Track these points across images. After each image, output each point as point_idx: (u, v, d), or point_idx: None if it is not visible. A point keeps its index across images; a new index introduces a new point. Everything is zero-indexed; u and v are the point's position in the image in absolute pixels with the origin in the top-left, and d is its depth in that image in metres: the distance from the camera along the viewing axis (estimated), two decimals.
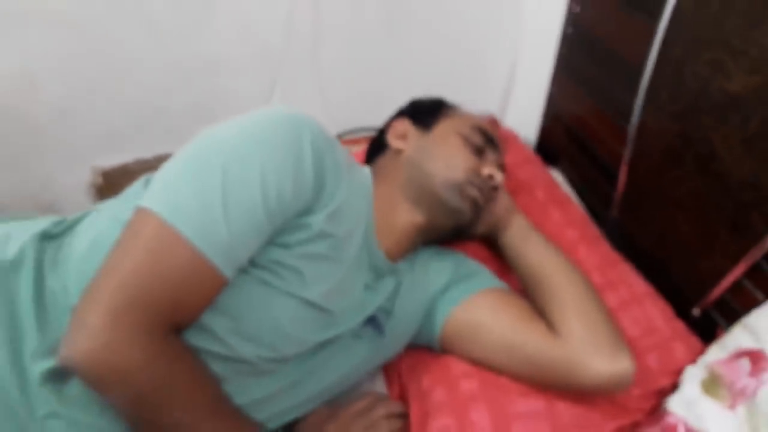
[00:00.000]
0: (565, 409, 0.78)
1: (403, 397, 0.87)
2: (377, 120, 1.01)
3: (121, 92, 1.20)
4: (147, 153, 1.28)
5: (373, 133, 1.01)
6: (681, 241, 0.94)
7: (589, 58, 1.15)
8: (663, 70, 0.93)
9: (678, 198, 0.93)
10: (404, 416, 0.84)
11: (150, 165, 1.28)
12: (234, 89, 1.26)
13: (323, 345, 0.78)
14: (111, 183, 1.27)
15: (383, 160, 0.91)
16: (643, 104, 0.98)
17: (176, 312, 0.64)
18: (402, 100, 1.00)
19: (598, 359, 0.75)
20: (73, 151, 1.24)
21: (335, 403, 0.84)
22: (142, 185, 0.76)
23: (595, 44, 1.12)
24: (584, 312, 0.79)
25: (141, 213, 0.65)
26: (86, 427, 0.65)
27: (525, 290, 0.89)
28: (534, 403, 0.78)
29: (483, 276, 0.90)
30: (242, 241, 0.66)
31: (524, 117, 1.36)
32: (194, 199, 0.65)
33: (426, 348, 0.90)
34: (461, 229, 0.88)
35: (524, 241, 0.90)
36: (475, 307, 0.85)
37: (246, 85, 1.26)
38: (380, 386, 0.91)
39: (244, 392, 0.71)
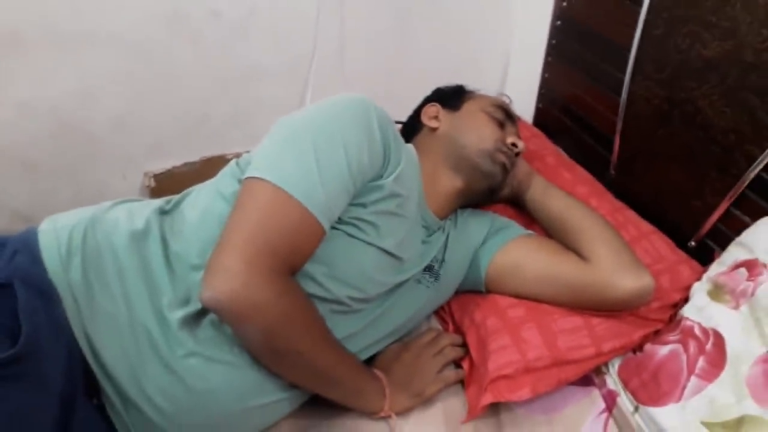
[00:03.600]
0: (599, 323, 0.94)
1: (457, 332, 1.03)
2: (397, 113, 1.16)
3: (169, 103, 1.34)
4: (193, 157, 1.42)
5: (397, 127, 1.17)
6: (675, 188, 1.12)
7: (578, 43, 1.34)
8: (647, 45, 1.12)
9: (669, 152, 1.12)
10: (463, 345, 1.00)
11: (196, 167, 1.42)
12: (269, 96, 1.41)
13: (394, 289, 0.93)
14: (162, 186, 1.40)
15: (420, 138, 1.07)
16: (631, 77, 1.17)
17: (292, 257, 0.78)
18: (415, 93, 1.17)
19: (625, 277, 0.92)
20: (127, 158, 1.38)
21: (404, 341, 1.00)
22: (234, 166, 0.89)
23: (584, 31, 1.31)
24: (608, 240, 0.96)
25: (254, 182, 0.79)
26: (218, 362, 0.79)
27: (551, 235, 1.06)
28: (573, 320, 0.94)
29: (515, 227, 1.07)
30: (335, 199, 0.81)
31: (520, 102, 1.55)
32: (295, 168, 0.79)
33: (471, 292, 1.06)
34: (492, 191, 1.05)
35: (545, 194, 1.07)
36: (513, 250, 1.01)
37: (280, 92, 1.41)
38: (435, 326, 1.07)
39: (336, 329, 0.85)
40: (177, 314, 0.78)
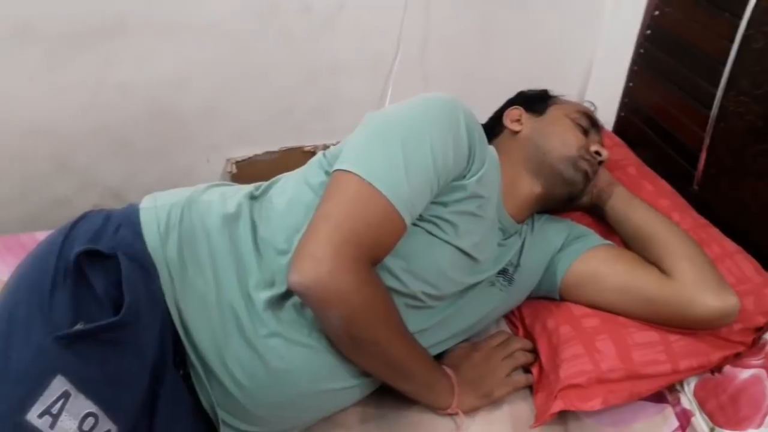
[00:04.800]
0: (676, 340, 0.92)
1: (527, 337, 1.03)
2: (476, 115, 1.16)
3: (256, 92, 1.39)
4: (274, 146, 1.47)
5: None
6: (763, 208, 1.08)
7: (668, 54, 1.31)
8: (744, 59, 1.08)
9: (760, 170, 1.08)
10: (533, 351, 1.00)
11: (276, 157, 1.47)
12: (350, 91, 1.44)
13: (467, 290, 0.94)
14: (242, 172, 1.46)
15: (501, 141, 1.07)
16: (724, 91, 1.13)
17: (375, 249, 0.80)
18: (493, 99, 1.16)
19: (709, 296, 0.89)
20: (213, 143, 1.44)
21: (473, 341, 1.00)
22: (321, 157, 0.92)
23: (676, 41, 1.28)
24: (692, 256, 0.94)
25: (343, 174, 0.81)
26: (298, 344, 0.82)
27: (631, 247, 1.04)
28: (650, 335, 0.93)
29: (594, 235, 1.06)
30: (418, 196, 0.82)
31: (601, 110, 1.52)
32: (382, 162, 0.81)
33: (544, 298, 1.05)
34: (572, 198, 1.04)
35: (627, 205, 1.06)
36: (592, 259, 1.00)
37: (361, 89, 1.44)
38: (504, 329, 1.07)
39: (409, 323, 0.86)
40: (262, 295, 0.82)
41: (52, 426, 0.65)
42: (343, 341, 0.82)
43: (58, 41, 1.24)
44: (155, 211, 0.85)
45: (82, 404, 0.67)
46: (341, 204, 0.79)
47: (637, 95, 1.43)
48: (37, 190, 1.39)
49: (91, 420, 0.67)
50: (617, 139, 1.35)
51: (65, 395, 0.66)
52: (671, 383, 0.93)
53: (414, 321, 0.88)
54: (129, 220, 0.84)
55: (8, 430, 0.64)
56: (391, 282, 0.85)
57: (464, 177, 0.88)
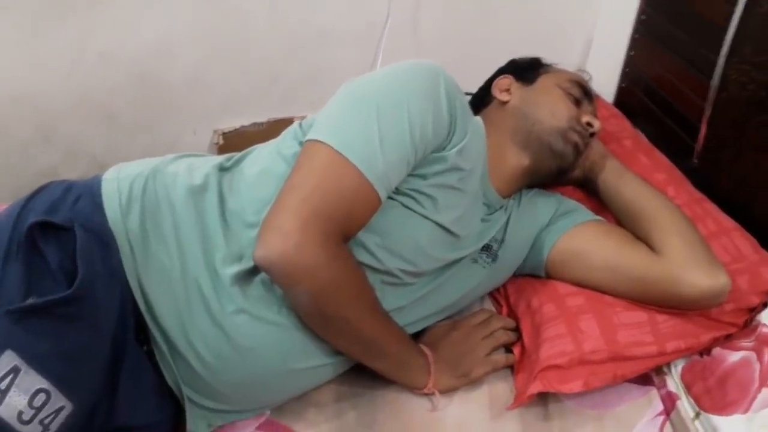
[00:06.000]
0: (664, 321, 0.88)
1: (511, 316, 0.99)
2: (469, 84, 1.11)
3: (243, 61, 1.35)
4: (261, 117, 1.44)
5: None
6: (765, 182, 1.03)
7: (670, 20, 1.24)
8: (748, 25, 1.02)
9: (762, 142, 1.02)
10: (515, 330, 0.96)
11: (263, 128, 1.44)
12: (340, 59, 1.39)
13: (448, 266, 0.91)
14: (229, 144, 1.42)
15: (489, 111, 1.02)
16: (726, 59, 1.07)
17: (346, 223, 0.77)
18: (490, 66, 1.11)
19: (699, 274, 0.85)
20: (199, 114, 1.40)
21: (454, 319, 0.97)
22: (297, 127, 0.88)
23: (677, 7, 1.21)
24: (682, 233, 0.89)
25: (315, 144, 0.78)
26: (265, 322, 0.79)
27: (622, 223, 0.99)
28: (637, 315, 0.89)
29: (583, 211, 1.01)
30: (394, 168, 0.78)
31: (602, 80, 1.46)
32: (356, 133, 0.77)
33: (530, 276, 1.01)
34: (561, 172, 0.99)
35: (619, 179, 1.01)
36: (580, 236, 0.96)
37: (351, 56, 1.39)
38: (488, 307, 1.04)
39: (385, 301, 0.83)
40: (229, 270, 0.79)
41: None
42: (311, 318, 0.79)
43: (38, 8, 1.20)
44: (117, 183, 0.82)
45: (32, 380, 0.65)
46: (311, 175, 0.76)
47: (638, 65, 1.37)
48: (22, 161, 1.37)
49: (42, 396, 0.65)
50: (614, 110, 1.29)
51: (15, 370, 0.64)
52: (658, 365, 0.89)
53: (391, 298, 0.85)
54: (90, 191, 0.81)
55: None
56: (365, 258, 0.82)
57: (444, 148, 0.84)
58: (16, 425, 0.63)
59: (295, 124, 0.90)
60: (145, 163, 0.87)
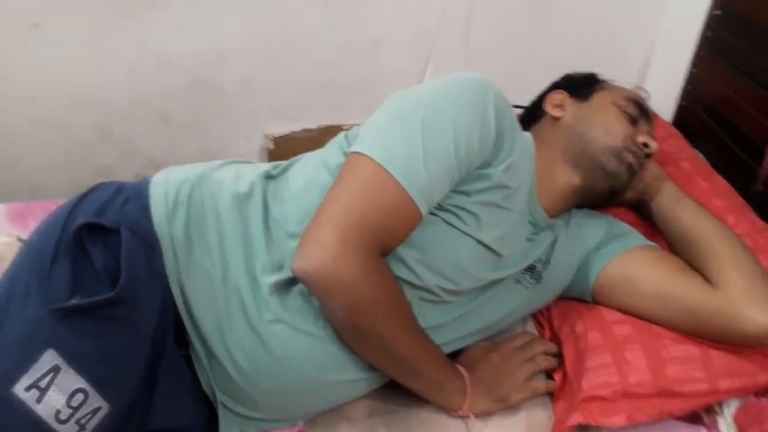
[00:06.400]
0: (718, 357, 0.84)
1: (554, 340, 0.96)
2: (520, 99, 1.09)
3: (295, 67, 1.36)
4: (312, 124, 1.44)
5: (517, 112, 1.10)
6: None
7: (738, 38, 1.18)
8: None
9: None
10: (558, 356, 0.93)
11: (313, 134, 1.44)
12: (391, 68, 1.39)
13: (490, 285, 0.88)
14: (280, 149, 1.44)
15: (540, 127, 0.99)
16: None
17: (386, 238, 0.76)
18: (543, 80, 1.08)
19: (757, 310, 0.80)
20: (250, 119, 1.42)
21: (494, 340, 0.94)
22: (342, 138, 0.88)
23: (748, 25, 1.15)
24: (742, 265, 0.84)
25: (357, 157, 0.77)
26: (302, 333, 0.78)
27: (676, 251, 0.95)
28: (687, 349, 0.85)
29: (635, 235, 0.97)
30: (437, 184, 0.77)
31: (661, 97, 1.40)
32: (400, 146, 0.76)
33: (576, 300, 0.98)
34: (614, 193, 0.95)
35: (676, 204, 0.96)
36: (630, 262, 0.92)
37: (402, 65, 1.39)
38: (530, 330, 1.01)
39: (422, 318, 0.82)
40: (269, 279, 0.79)
41: (38, 400, 0.64)
42: (347, 332, 0.78)
43: (101, 10, 1.24)
44: (165, 187, 0.83)
45: (72, 380, 0.66)
46: (352, 188, 0.75)
47: (701, 83, 1.31)
48: (81, 159, 1.42)
49: (80, 396, 0.66)
50: (673, 130, 1.24)
51: (55, 369, 0.66)
52: (709, 404, 0.84)
53: (428, 315, 0.83)
54: (138, 193, 0.82)
55: None
56: (403, 273, 0.80)
57: (490, 165, 0.82)
58: (54, 424, 0.64)
59: (342, 134, 0.89)
60: (194, 168, 0.88)
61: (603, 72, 1.05)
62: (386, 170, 0.74)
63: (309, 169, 0.87)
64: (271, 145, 1.44)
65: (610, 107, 0.96)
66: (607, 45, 1.40)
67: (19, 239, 1.11)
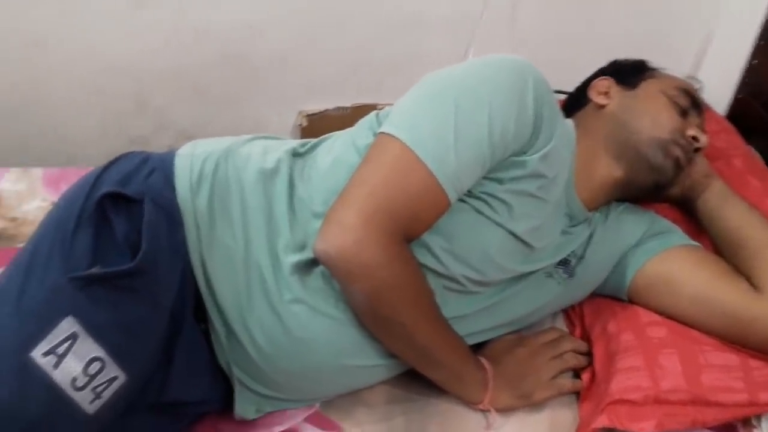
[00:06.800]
0: (759, 367, 0.79)
1: (584, 338, 0.92)
2: (565, 84, 1.04)
3: (331, 44, 1.33)
4: (346, 102, 1.42)
5: (560, 98, 1.05)
6: None
7: None
8: None
9: None
10: (587, 355, 0.89)
11: (347, 113, 1.42)
12: (431, 48, 1.34)
13: (520, 278, 0.85)
14: (313, 126, 1.41)
15: (583, 115, 0.95)
16: None
17: (411, 223, 0.73)
18: (590, 66, 1.03)
19: None
20: (284, 95, 1.40)
21: (520, 334, 0.91)
22: (373, 117, 0.85)
23: None
24: None
25: (385, 138, 0.75)
26: (322, 315, 0.77)
27: (721, 252, 0.90)
28: (727, 357, 0.80)
29: (677, 233, 0.93)
30: (467, 170, 0.74)
31: (716, 89, 1.33)
32: (430, 128, 0.73)
33: (610, 297, 0.94)
34: (658, 188, 0.90)
35: (724, 204, 0.91)
36: (670, 261, 0.88)
37: (442, 45, 1.34)
38: (560, 326, 0.97)
39: (446, 307, 0.79)
40: (291, 258, 0.77)
41: (56, 366, 0.64)
42: (366, 318, 0.76)
43: None
44: (191, 159, 0.82)
45: (89, 348, 0.66)
46: (379, 170, 0.73)
47: (761, 75, 1.23)
48: (116, 128, 1.43)
49: (97, 364, 0.66)
50: (726, 124, 1.17)
51: (73, 337, 0.65)
52: (746, 416, 0.80)
53: (452, 305, 0.81)
54: (163, 165, 0.81)
55: (11, 364, 0.63)
56: (428, 261, 0.78)
57: (525, 152, 0.78)
58: (69, 390, 0.64)
59: (373, 114, 0.86)
60: (220, 142, 0.87)
61: (654, 60, 0.99)
62: (414, 153, 0.72)
63: (337, 148, 0.84)
64: (305, 123, 1.42)
65: (659, 96, 0.91)
66: (660, 31, 1.33)
67: (52, 204, 1.13)
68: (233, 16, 1.28)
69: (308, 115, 1.42)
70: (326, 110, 1.42)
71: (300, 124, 1.43)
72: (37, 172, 1.17)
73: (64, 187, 1.15)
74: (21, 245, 1.02)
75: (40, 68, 1.32)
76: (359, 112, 1.41)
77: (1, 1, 1.22)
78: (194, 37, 1.30)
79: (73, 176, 1.17)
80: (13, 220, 1.09)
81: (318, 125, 1.41)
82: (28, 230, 1.06)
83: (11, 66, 1.31)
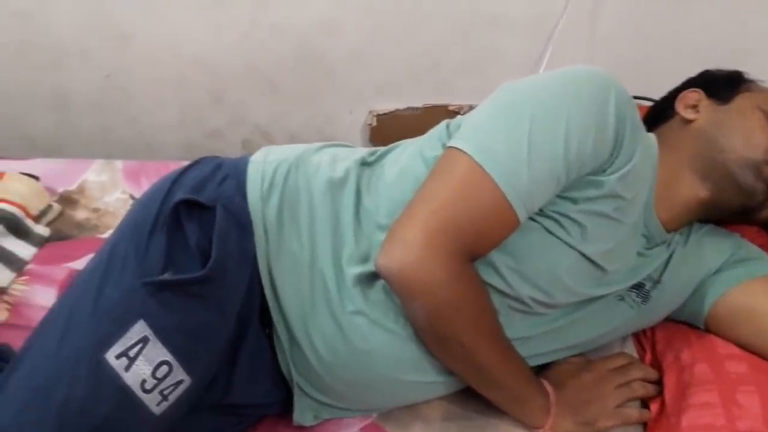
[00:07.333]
0: None
1: (654, 366, 0.88)
2: (646, 94, 0.98)
3: (407, 43, 1.32)
4: (417, 102, 1.41)
5: (642, 105, 0.99)
6: None
7: None
8: None
9: None
10: (657, 383, 0.85)
11: (418, 113, 1.40)
12: (506, 49, 1.31)
13: (590, 300, 0.82)
14: (382, 126, 1.42)
15: (668, 129, 0.89)
16: None
17: (476, 243, 0.71)
18: (676, 75, 0.96)
19: None
20: (357, 93, 1.41)
21: (587, 357, 0.88)
22: (444, 128, 0.83)
23: None
24: None
25: (454, 152, 0.72)
26: (382, 328, 0.76)
27: None
28: None
29: (765, 261, 0.86)
30: (540, 189, 0.71)
31: None
32: (502, 144, 0.71)
33: (685, 323, 0.89)
34: (746, 211, 0.84)
35: None
36: (755, 291, 0.82)
37: (519, 46, 1.31)
38: (630, 350, 0.93)
39: (509, 328, 0.77)
40: (354, 270, 0.77)
41: (127, 368, 0.67)
42: (426, 335, 0.75)
43: None
44: (263, 166, 0.83)
45: (158, 351, 0.68)
46: (445, 186, 0.71)
47: None
48: (194, 120, 1.48)
49: (165, 368, 0.68)
50: None
51: (144, 340, 0.68)
52: None
53: (517, 326, 0.79)
54: (236, 171, 0.83)
55: (85, 365, 0.66)
56: (493, 280, 0.76)
57: (603, 171, 0.74)
58: (139, 392, 0.67)
59: (443, 123, 0.85)
60: (292, 149, 0.88)
61: (746, 69, 0.92)
62: (484, 169, 0.69)
63: (405, 159, 0.83)
64: (374, 122, 1.42)
65: (754, 113, 0.84)
66: (750, 40, 1.23)
67: (131, 197, 1.18)
68: (310, 13, 1.30)
69: (378, 115, 1.42)
70: (396, 110, 1.41)
71: (370, 124, 1.43)
72: (118, 165, 1.22)
73: (143, 180, 1.21)
74: (103, 236, 1.09)
75: (126, 61, 1.38)
76: (430, 112, 1.41)
77: None
78: (270, 32, 1.33)
79: (151, 170, 1.23)
80: (96, 210, 1.15)
81: (388, 125, 1.41)
82: (110, 221, 1.12)
83: (99, 59, 1.37)
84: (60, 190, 1.16)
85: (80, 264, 1.00)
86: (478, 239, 0.72)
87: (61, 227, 1.11)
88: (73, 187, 1.18)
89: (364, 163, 0.86)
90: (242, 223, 0.79)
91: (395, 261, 0.70)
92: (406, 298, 0.72)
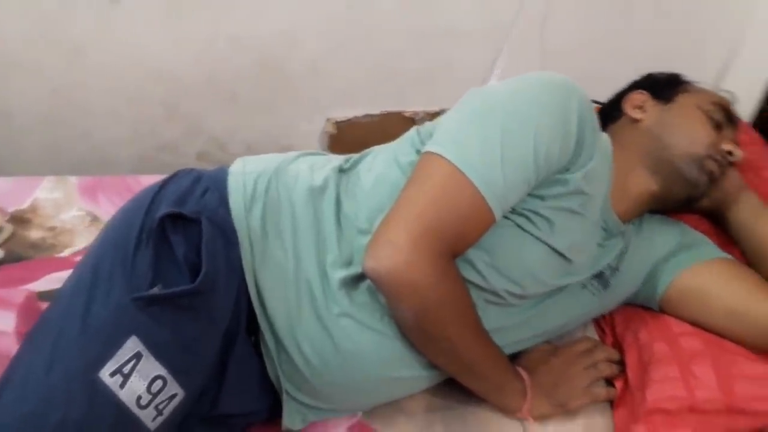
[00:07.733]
0: None
1: (616, 346, 0.95)
2: (594, 97, 1.03)
3: (364, 53, 1.35)
4: (375, 109, 1.44)
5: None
6: None
7: None
8: None
9: None
10: (620, 363, 0.92)
11: (376, 120, 1.44)
12: (460, 58, 1.36)
13: (557, 290, 0.87)
14: (341, 133, 1.44)
15: (618, 128, 0.96)
16: None
17: (457, 242, 0.75)
18: (621, 78, 1.03)
19: None
20: (315, 102, 1.43)
21: (554, 344, 0.94)
22: (414, 134, 0.87)
23: None
24: None
25: (433, 157, 0.76)
26: (368, 328, 0.79)
27: (752, 264, 0.92)
28: (760, 368, 0.83)
29: (709, 245, 0.95)
30: (513, 189, 0.76)
31: (741, 100, 1.34)
32: (478, 149, 0.75)
33: (640, 306, 0.96)
34: (690, 201, 0.92)
35: (755, 215, 0.93)
36: (703, 274, 0.90)
37: (472, 55, 1.36)
38: (591, 333, 1.00)
39: (485, 320, 0.81)
40: (338, 274, 0.80)
41: (122, 386, 0.66)
42: (413, 333, 0.79)
43: None
44: (243, 178, 0.85)
45: (152, 366, 0.68)
46: (428, 190, 0.75)
47: None
48: (147, 133, 1.45)
49: (159, 383, 0.69)
50: (755, 136, 1.19)
51: (137, 356, 0.67)
52: None
53: (492, 317, 0.83)
54: (217, 184, 0.84)
55: (79, 385, 0.66)
56: (471, 275, 0.80)
57: (568, 170, 0.80)
58: (134, 409, 0.67)
59: (413, 130, 0.88)
60: (270, 159, 0.89)
61: (679, 70, 1.01)
62: (463, 173, 0.73)
63: (379, 166, 0.86)
64: (333, 130, 1.44)
65: (694, 111, 0.92)
66: (685, 42, 1.34)
67: (89, 214, 1.14)
68: (268, 24, 1.31)
69: (336, 122, 1.44)
70: (354, 117, 1.44)
71: (328, 132, 1.45)
72: (72, 181, 1.19)
73: (101, 196, 1.17)
74: (61, 255, 1.05)
75: (77, 75, 1.34)
76: (386, 119, 1.44)
77: (41, 10, 1.25)
78: (229, 44, 1.33)
79: (108, 185, 1.19)
80: (52, 229, 1.10)
81: (347, 132, 1.44)
82: (68, 239, 1.08)
83: (49, 73, 1.33)
84: (10, 209, 1.11)
85: (39, 285, 0.97)
86: (459, 239, 0.75)
87: (13, 248, 1.06)
88: (24, 205, 1.12)
89: (341, 170, 0.88)
90: (227, 234, 0.80)
91: (384, 264, 0.72)
92: (394, 299, 0.74)
